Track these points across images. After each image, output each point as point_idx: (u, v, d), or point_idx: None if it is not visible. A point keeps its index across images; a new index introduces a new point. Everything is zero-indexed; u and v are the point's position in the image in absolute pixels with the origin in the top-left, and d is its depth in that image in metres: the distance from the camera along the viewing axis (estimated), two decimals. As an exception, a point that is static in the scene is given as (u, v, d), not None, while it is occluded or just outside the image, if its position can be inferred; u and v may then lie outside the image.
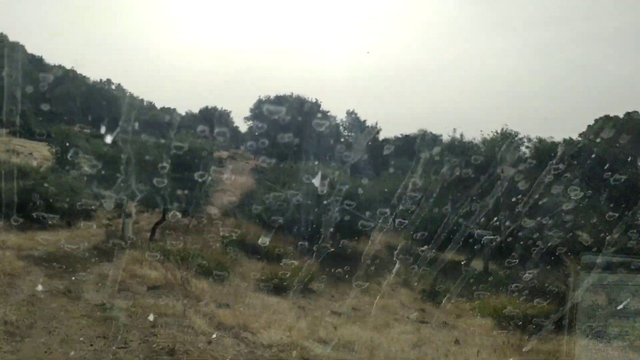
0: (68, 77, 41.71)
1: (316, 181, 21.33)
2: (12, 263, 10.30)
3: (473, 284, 19.27)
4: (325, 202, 19.48)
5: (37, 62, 44.36)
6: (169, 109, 51.50)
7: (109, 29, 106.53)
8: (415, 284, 19.78)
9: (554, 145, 23.85)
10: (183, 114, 49.10)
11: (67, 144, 26.62)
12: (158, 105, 52.74)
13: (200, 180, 18.27)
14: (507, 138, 24.37)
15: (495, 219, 18.07)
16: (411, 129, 52.21)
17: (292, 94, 34.86)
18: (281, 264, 16.11)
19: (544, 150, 21.94)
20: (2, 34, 48.21)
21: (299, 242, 19.66)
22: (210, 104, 41.04)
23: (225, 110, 40.83)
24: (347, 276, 17.17)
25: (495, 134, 24.98)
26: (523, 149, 25.29)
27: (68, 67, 44.59)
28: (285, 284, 13.93)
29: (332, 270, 16.53)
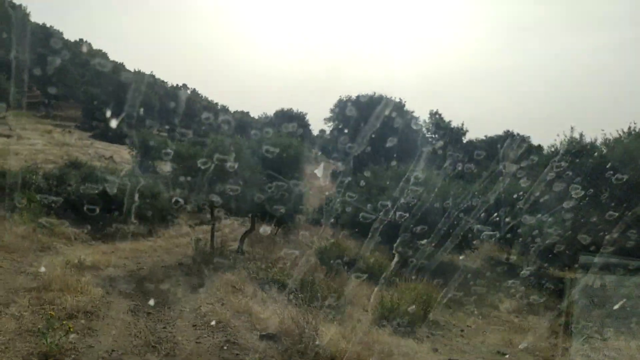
0: (147, 82, 40.88)
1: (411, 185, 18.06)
2: (90, 291, 7.89)
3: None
4: (421, 209, 16.21)
5: (118, 69, 44.11)
6: (242, 112, 50.17)
7: (185, 38, 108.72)
8: (543, 309, 15.98)
9: None
10: (256, 117, 47.46)
11: (148, 147, 25.03)
12: (231, 109, 51.57)
13: (292, 183, 15.59)
14: (640, 137, 19.83)
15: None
16: (496, 130, 47.69)
17: (375, 93, 31.79)
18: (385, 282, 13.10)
19: None
20: (86, 42, 48.56)
21: (398, 255, 16.54)
22: (286, 107, 38.79)
23: (301, 112, 38.42)
24: (459, 298, 13.89)
25: (621, 132, 20.47)
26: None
27: (146, 72, 44.04)
28: (406, 314, 10.87)
29: (442, 290, 13.31)
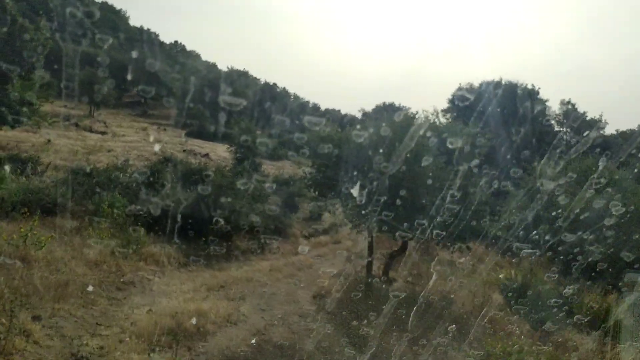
0: (241, 80, 37.47)
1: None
2: None
3: None
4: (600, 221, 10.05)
5: (211, 68, 41.29)
6: (333, 110, 45.92)
7: (274, 39, 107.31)
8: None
9: None
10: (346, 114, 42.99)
11: (248, 144, 20.93)
12: (322, 107, 47.34)
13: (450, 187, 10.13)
14: None
15: None
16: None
17: (501, 79, 25.52)
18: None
19: None
20: (180, 43, 46.39)
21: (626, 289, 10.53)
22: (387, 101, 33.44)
23: (403, 106, 32.99)
24: None
25: None
26: None
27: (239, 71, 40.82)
28: None
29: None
